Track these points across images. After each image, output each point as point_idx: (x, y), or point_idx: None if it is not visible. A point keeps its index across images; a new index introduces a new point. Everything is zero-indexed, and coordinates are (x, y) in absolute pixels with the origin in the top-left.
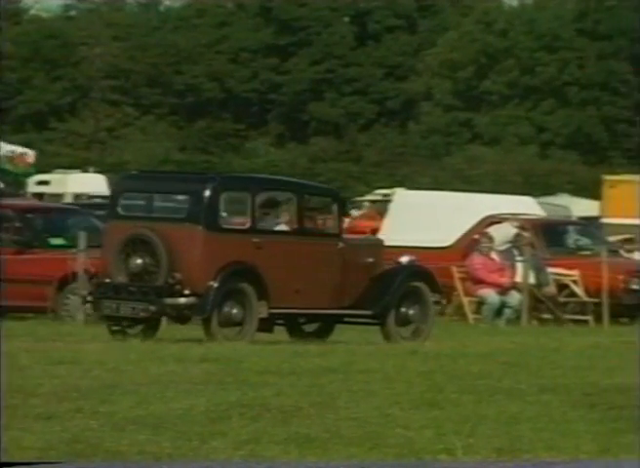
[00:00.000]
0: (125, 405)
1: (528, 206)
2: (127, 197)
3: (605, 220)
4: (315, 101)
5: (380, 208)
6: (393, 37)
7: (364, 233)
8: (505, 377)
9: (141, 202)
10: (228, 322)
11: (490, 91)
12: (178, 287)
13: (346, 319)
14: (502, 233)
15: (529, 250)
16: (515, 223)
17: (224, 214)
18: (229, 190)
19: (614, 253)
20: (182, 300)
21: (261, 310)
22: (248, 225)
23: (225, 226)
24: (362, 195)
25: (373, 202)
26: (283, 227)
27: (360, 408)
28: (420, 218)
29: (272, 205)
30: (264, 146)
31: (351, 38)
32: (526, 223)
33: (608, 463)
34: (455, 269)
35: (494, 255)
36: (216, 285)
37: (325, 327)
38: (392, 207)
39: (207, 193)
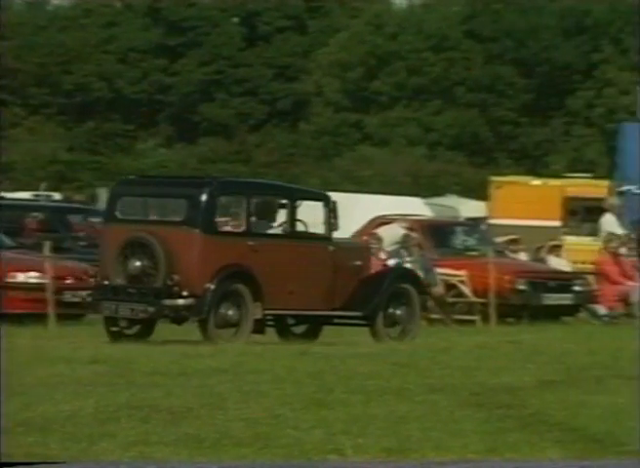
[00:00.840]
0: (13, 407)
1: (416, 207)
2: (125, 201)
3: (492, 221)
4: (205, 102)
5: None
6: (283, 38)
7: None
8: (394, 378)
9: (139, 206)
10: (225, 323)
11: (379, 91)
12: (176, 288)
13: (336, 320)
14: (391, 234)
15: (417, 250)
16: (403, 224)
17: (221, 218)
18: (226, 194)
19: (500, 253)
20: (181, 302)
21: (256, 311)
22: (243, 228)
23: (222, 229)
24: None
25: None
26: (277, 230)
27: (250, 408)
28: (309, 219)
29: (267, 208)
30: (154, 147)
31: (241, 39)
32: (414, 224)
33: (494, 463)
34: None
35: (382, 256)
36: (213, 287)
37: (313, 328)
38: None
39: (204, 197)
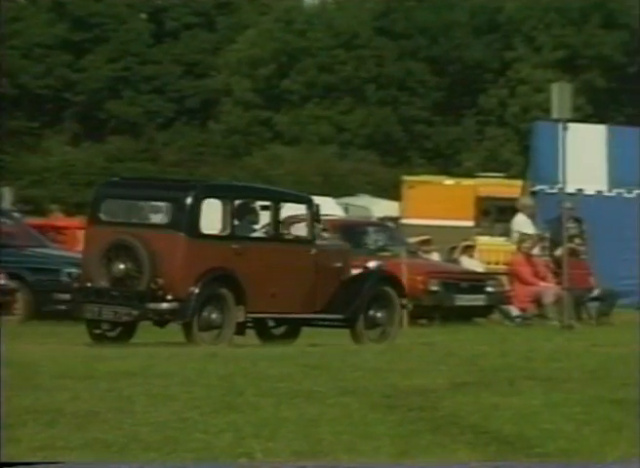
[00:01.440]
0: None
1: (328, 206)
2: (109, 203)
3: (404, 221)
4: (112, 100)
5: None
6: (191, 34)
7: None
8: (305, 380)
9: (123, 208)
10: (208, 326)
11: (290, 89)
12: (160, 292)
13: (316, 323)
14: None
15: None
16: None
17: (205, 221)
18: (210, 197)
19: (413, 253)
20: (165, 305)
21: (239, 314)
22: (227, 232)
23: (206, 233)
24: None
25: None
26: (260, 234)
27: (159, 412)
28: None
29: (250, 212)
30: (60, 145)
31: (148, 35)
32: (326, 224)
33: (406, 466)
34: None
35: None
36: (197, 290)
37: (292, 330)
38: None
39: (189, 200)
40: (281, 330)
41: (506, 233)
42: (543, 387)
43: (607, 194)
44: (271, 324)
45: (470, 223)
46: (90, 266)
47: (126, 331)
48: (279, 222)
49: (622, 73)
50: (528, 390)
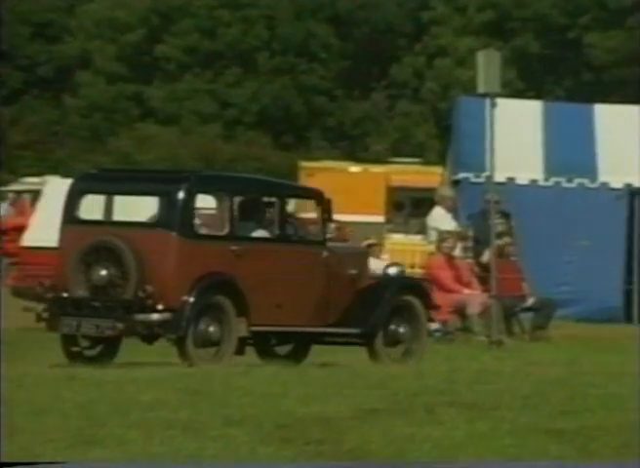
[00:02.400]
0: None
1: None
2: (88, 199)
3: (301, 215)
4: None
5: (30, 200)
6: None
7: (14, 232)
8: (183, 408)
9: (105, 205)
10: (205, 341)
11: (164, 58)
12: (149, 301)
13: (328, 338)
14: None
15: None
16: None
17: (200, 219)
18: (205, 191)
19: None
20: (155, 317)
21: (241, 328)
22: (226, 231)
23: (201, 232)
24: (6, 184)
25: (19, 193)
26: (263, 233)
27: (5, 447)
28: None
29: (252, 208)
30: None
31: None
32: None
33: None
34: None
35: None
36: (191, 299)
37: (300, 347)
38: (43, 199)
39: (181, 195)
40: (287, 348)
41: (423, 230)
42: (467, 415)
43: (543, 184)
44: (274, 341)
45: (380, 218)
46: (65, 273)
47: (108, 349)
48: (285, 220)
49: (561, 38)
50: (449, 418)
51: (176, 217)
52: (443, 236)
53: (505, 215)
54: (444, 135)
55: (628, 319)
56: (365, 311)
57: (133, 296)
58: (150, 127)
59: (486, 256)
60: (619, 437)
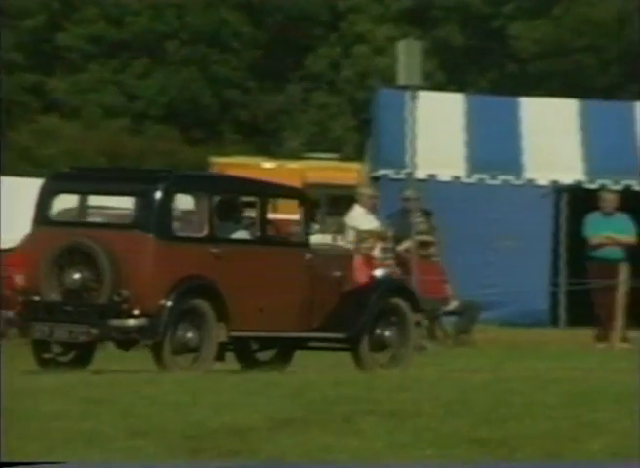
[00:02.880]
0: None
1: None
2: (60, 199)
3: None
4: None
5: None
6: None
7: None
8: (86, 418)
9: (78, 205)
10: (182, 348)
11: (67, 47)
12: (125, 306)
13: (312, 343)
14: None
15: None
16: None
17: (178, 220)
18: (184, 191)
19: None
20: (131, 322)
21: (220, 333)
22: (205, 233)
23: (180, 234)
24: None
25: None
26: (244, 235)
27: None
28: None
29: (232, 208)
30: None
31: None
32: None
33: None
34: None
35: None
36: (169, 304)
37: (284, 353)
38: None
39: (158, 194)
40: (269, 353)
41: (341, 230)
42: (388, 424)
43: (466, 180)
44: (255, 346)
45: (296, 217)
46: (37, 276)
47: (81, 355)
48: (267, 221)
49: (484, 28)
50: (369, 428)
51: (153, 218)
52: (361, 236)
53: (427, 214)
54: (362, 128)
55: (554, 322)
56: (350, 315)
57: (107, 301)
58: (52, 120)
59: (403, 245)
60: (545, 446)
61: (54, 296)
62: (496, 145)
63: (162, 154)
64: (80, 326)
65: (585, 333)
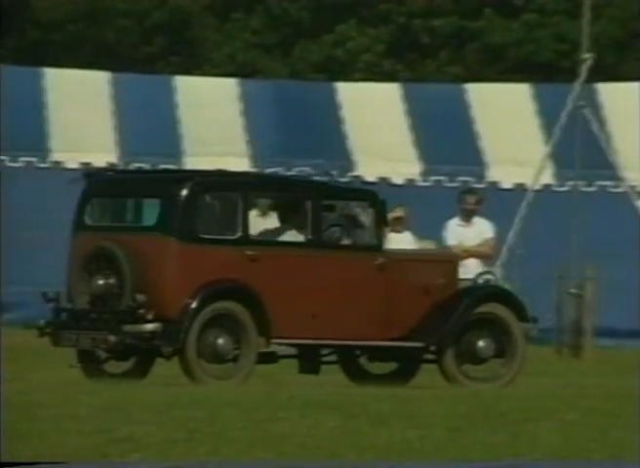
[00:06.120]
0: None
1: None
2: (96, 203)
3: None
4: None
5: None
6: None
7: None
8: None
9: (111, 209)
10: (214, 356)
11: None
12: (141, 311)
13: (392, 354)
14: None
15: None
16: None
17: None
18: (212, 192)
19: None
20: (147, 327)
21: (260, 340)
22: (238, 234)
23: (206, 236)
24: None
25: None
26: (292, 237)
27: None
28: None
29: (285, 210)
30: None
31: None
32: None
33: None
34: None
35: None
36: (192, 307)
37: (406, 366)
38: None
39: (180, 196)
40: (390, 367)
41: None
42: None
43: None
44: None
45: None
46: (69, 283)
47: (139, 365)
48: (320, 223)
49: None
50: None
51: (175, 221)
52: None
53: None
54: None
55: None
56: (433, 323)
57: (125, 306)
58: None
59: None
60: None
61: (83, 303)
62: (19, 124)
63: None
64: (100, 333)
65: None
